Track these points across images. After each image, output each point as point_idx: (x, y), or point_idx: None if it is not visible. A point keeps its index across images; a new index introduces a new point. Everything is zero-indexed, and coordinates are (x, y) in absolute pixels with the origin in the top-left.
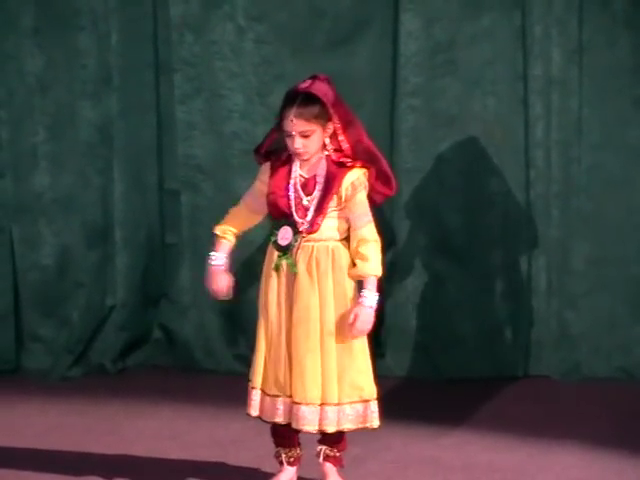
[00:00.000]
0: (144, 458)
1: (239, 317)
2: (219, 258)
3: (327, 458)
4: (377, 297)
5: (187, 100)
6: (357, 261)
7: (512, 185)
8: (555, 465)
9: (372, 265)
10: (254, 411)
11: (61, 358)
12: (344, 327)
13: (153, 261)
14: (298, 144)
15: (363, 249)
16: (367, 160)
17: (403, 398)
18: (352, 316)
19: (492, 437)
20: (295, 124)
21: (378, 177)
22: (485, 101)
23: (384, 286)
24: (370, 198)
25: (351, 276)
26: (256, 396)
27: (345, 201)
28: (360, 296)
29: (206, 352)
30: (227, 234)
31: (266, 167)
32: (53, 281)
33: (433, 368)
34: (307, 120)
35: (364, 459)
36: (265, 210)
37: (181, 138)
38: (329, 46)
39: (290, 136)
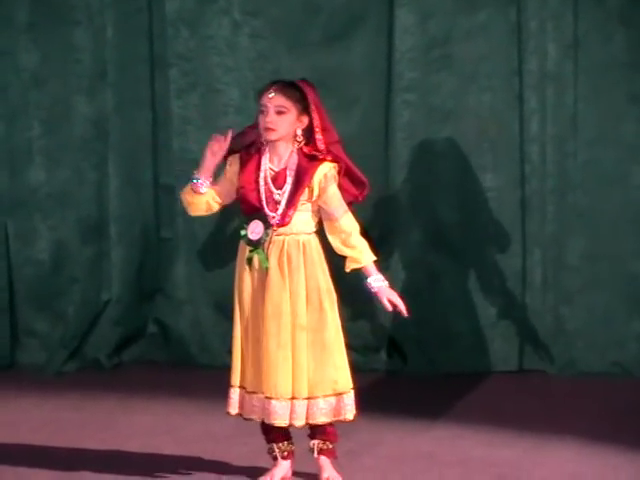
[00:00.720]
0: (139, 453)
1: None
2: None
3: (321, 451)
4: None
5: (183, 95)
6: (349, 253)
7: (507, 180)
8: (550, 459)
9: (366, 253)
10: (233, 409)
11: (56, 353)
12: (318, 321)
13: (148, 256)
14: (270, 118)
15: (350, 241)
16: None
17: (398, 392)
18: (387, 303)
19: (487, 431)
20: (273, 98)
21: (352, 180)
22: (480, 96)
23: None
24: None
25: (351, 269)
26: (234, 394)
27: (318, 194)
28: (371, 284)
29: (201, 347)
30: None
31: (235, 158)
32: (48, 276)
33: (429, 363)
34: (286, 97)
35: (359, 453)
36: (228, 201)
37: (176, 133)
38: (325, 41)
39: (264, 112)
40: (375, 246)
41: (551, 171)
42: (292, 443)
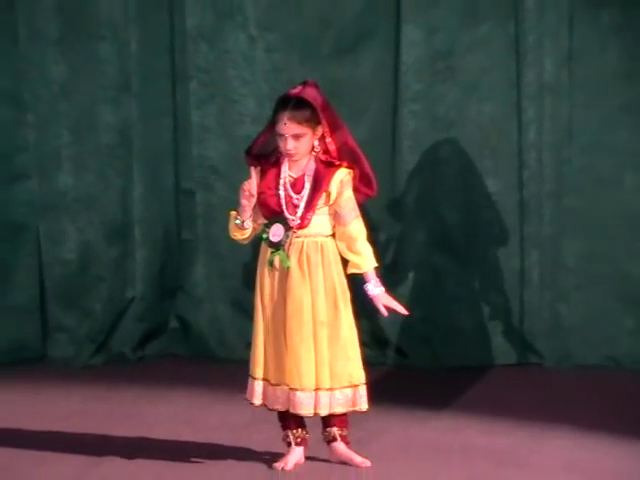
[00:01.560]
0: (161, 441)
1: (250, 309)
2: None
3: (342, 438)
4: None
5: (202, 105)
6: (352, 258)
7: (507, 185)
8: (547, 447)
9: (368, 260)
10: (257, 400)
11: (84, 347)
12: (334, 318)
13: (170, 256)
14: (290, 145)
15: (356, 247)
16: (351, 161)
17: (405, 385)
18: (382, 308)
19: (488, 421)
20: (288, 127)
21: (361, 178)
22: (481, 106)
23: (385, 280)
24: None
25: (351, 272)
26: (259, 386)
27: (335, 198)
28: (370, 290)
29: (219, 341)
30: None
31: (256, 171)
32: (76, 275)
33: (433, 357)
34: (299, 123)
35: (368, 442)
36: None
37: (196, 141)
38: (335, 54)
39: (283, 138)
40: (381, 249)
41: (548, 176)
42: (307, 431)
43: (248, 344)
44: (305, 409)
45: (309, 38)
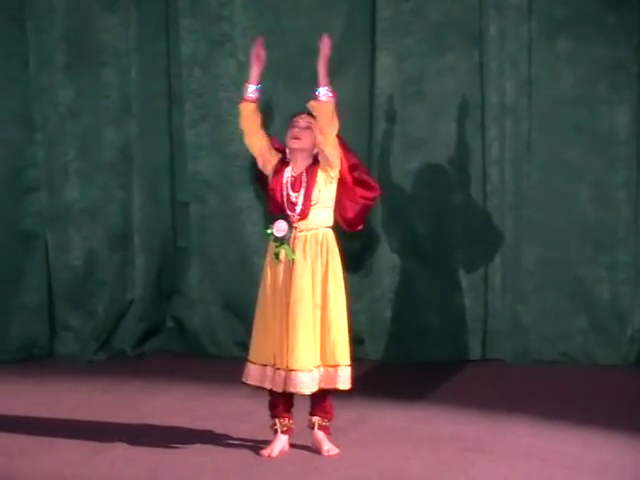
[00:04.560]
0: (159, 429)
1: (239, 310)
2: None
3: (320, 427)
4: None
5: (196, 125)
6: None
7: (472, 197)
8: (508, 434)
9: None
10: (269, 384)
11: (88, 345)
12: (325, 302)
13: (166, 262)
14: (298, 129)
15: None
16: (354, 177)
17: (379, 378)
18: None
19: (455, 411)
20: (304, 117)
21: (362, 185)
22: (449, 126)
23: (361, 283)
24: (358, 204)
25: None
26: (270, 372)
27: (324, 163)
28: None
29: (211, 339)
30: None
31: (277, 157)
32: (81, 279)
33: (404, 353)
34: (311, 116)
35: (346, 430)
36: (262, 143)
37: (190, 157)
38: (316, 79)
39: (294, 125)
40: (357, 255)
41: (509, 190)
42: (292, 421)
43: (237, 342)
44: (305, 388)
45: (292, 65)
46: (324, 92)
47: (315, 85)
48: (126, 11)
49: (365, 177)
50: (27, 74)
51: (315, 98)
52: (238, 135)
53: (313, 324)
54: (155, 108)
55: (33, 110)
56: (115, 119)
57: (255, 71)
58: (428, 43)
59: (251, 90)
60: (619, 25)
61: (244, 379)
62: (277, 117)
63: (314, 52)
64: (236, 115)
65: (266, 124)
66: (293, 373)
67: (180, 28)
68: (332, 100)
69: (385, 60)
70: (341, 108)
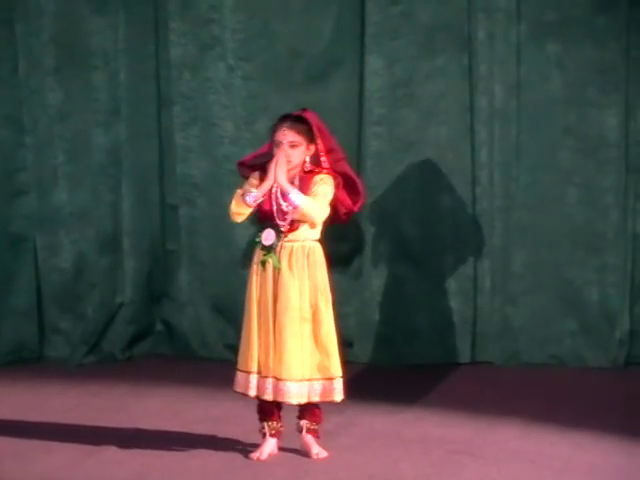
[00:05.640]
0: (149, 432)
1: (229, 313)
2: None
3: (308, 431)
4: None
5: (185, 128)
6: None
7: (461, 200)
8: (498, 438)
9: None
10: (252, 392)
11: (78, 348)
12: (315, 316)
13: (156, 265)
14: (285, 152)
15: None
16: (343, 179)
17: (368, 381)
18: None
19: (444, 414)
20: (286, 134)
21: (351, 194)
22: (438, 129)
23: (351, 286)
24: (338, 213)
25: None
26: (254, 379)
27: (312, 189)
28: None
29: (201, 342)
30: None
31: (256, 175)
32: (71, 282)
33: (394, 356)
34: (297, 132)
35: (337, 434)
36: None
37: (180, 160)
38: (306, 82)
39: (279, 145)
40: (347, 258)
41: (498, 192)
42: (282, 424)
43: (227, 345)
44: (293, 398)
45: (282, 68)
46: (293, 199)
47: (305, 87)
48: (115, 14)
49: (354, 179)
50: (16, 77)
51: (291, 201)
52: (227, 138)
53: (301, 335)
54: (144, 111)
55: (22, 113)
56: (104, 122)
57: (268, 186)
58: (417, 46)
59: (258, 199)
60: (608, 28)
61: (233, 387)
62: (266, 120)
63: (303, 55)
64: (229, 189)
65: (256, 127)
66: (282, 382)
67: (169, 31)
68: (304, 203)
69: (374, 63)
70: (330, 111)
